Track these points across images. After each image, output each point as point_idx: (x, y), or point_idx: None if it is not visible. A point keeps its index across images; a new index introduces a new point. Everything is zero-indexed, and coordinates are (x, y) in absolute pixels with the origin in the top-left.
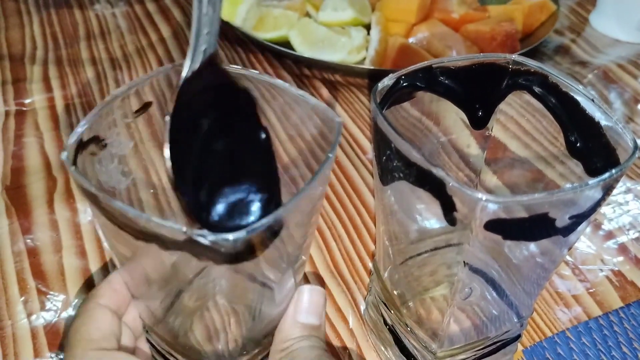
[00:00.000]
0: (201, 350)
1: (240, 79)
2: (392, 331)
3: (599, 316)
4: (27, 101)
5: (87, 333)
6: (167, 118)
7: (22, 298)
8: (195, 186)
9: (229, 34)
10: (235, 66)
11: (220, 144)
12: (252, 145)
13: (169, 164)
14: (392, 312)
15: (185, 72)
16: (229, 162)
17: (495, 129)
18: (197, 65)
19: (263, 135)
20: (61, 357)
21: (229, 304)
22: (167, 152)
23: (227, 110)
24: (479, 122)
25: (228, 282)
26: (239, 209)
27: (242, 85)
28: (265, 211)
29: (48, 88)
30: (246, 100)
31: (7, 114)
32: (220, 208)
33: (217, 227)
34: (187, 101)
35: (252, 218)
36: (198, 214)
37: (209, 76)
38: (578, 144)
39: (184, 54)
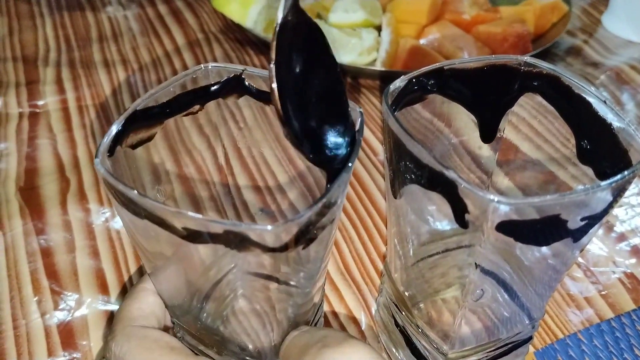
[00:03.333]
0: (229, 349)
1: (307, 14)
2: (404, 332)
3: (611, 318)
4: (40, 103)
5: (129, 312)
6: (272, 65)
7: (36, 298)
8: (296, 120)
9: (240, 36)
10: (252, 68)
11: (310, 79)
12: (331, 77)
13: (278, 105)
14: (403, 313)
15: (279, 19)
16: (319, 96)
17: (507, 131)
18: (287, 11)
19: (336, 67)
20: (75, 355)
21: (252, 306)
22: (275, 92)
23: (311, 47)
24: (489, 130)
25: (251, 285)
26: (330, 139)
27: (312, 20)
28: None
29: (61, 90)
30: (318, 33)
31: (20, 115)
32: (316, 140)
33: (314, 155)
34: (283, 45)
35: (339, 150)
36: (301, 146)
37: (293, 18)
38: (589, 148)
39: (196, 57)
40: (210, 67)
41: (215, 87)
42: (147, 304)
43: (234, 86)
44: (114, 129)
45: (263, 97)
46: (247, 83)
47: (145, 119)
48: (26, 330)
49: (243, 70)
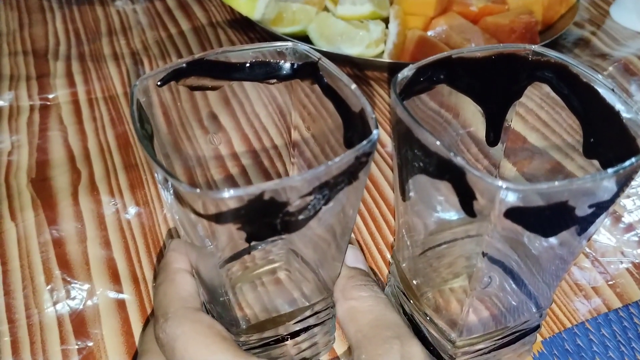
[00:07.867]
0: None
1: None
2: (412, 320)
3: (619, 308)
4: (51, 96)
5: (176, 293)
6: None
7: (48, 287)
8: None
9: (248, 29)
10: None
11: None
12: None
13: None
14: (411, 302)
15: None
16: None
17: (515, 121)
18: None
19: None
20: (88, 344)
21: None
22: None
23: None
24: (495, 125)
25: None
26: None
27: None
28: None
29: (71, 83)
30: None
31: (31, 108)
32: None
33: None
34: None
35: None
36: None
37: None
38: (596, 139)
39: (204, 49)
40: (297, 47)
41: (295, 66)
42: (187, 283)
43: (310, 72)
44: (178, 64)
45: (328, 91)
46: (320, 73)
47: (213, 70)
48: (39, 319)
49: (319, 59)
